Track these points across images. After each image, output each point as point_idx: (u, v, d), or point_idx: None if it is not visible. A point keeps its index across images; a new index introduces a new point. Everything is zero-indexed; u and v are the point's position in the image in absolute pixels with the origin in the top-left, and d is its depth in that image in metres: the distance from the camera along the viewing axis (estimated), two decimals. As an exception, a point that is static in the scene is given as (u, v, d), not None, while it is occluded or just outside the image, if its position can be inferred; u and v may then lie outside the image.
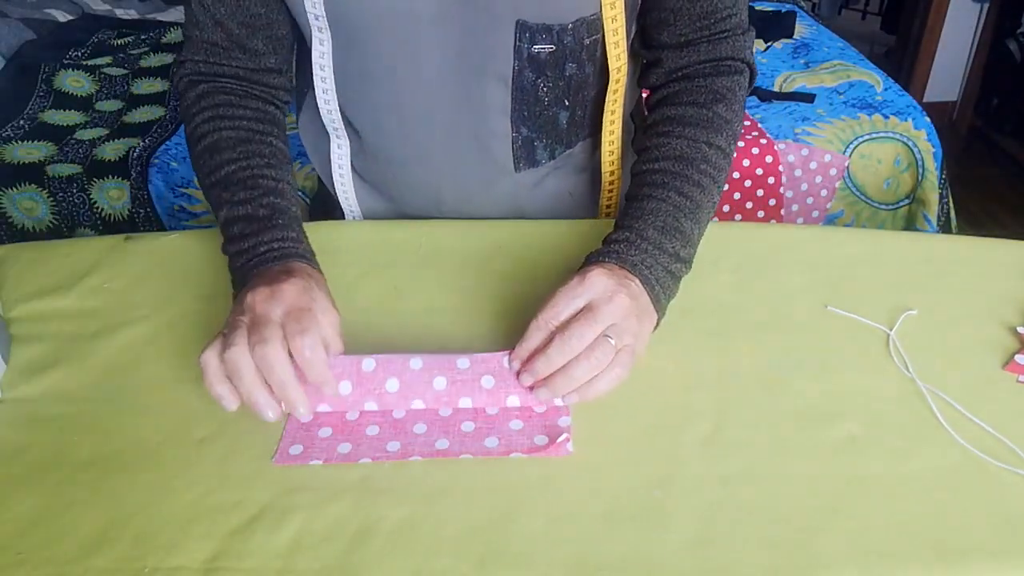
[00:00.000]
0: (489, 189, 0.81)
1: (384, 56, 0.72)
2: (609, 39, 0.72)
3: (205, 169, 0.71)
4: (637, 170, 0.71)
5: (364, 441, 0.58)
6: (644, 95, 0.84)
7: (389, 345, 0.66)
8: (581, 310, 0.59)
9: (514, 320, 0.69)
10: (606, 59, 0.73)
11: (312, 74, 0.76)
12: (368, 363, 0.61)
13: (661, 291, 0.63)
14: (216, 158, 0.71)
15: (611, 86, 0.75)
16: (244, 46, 0.74)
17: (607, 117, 0.77)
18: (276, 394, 0.56)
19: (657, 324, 0.64)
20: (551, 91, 0.74)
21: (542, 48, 0.70)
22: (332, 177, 0.84)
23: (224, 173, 0.70)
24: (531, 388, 0.60)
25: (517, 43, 0.70)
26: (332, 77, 0.75)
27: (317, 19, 0.70)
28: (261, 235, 0.65)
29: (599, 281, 0.59)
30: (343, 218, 0.89)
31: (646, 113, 0.78)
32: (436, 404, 0.61)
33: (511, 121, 0.75)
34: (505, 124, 0.76)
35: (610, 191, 0.84)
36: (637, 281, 0.62)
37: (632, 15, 0.74)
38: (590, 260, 0.64)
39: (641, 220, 0.66)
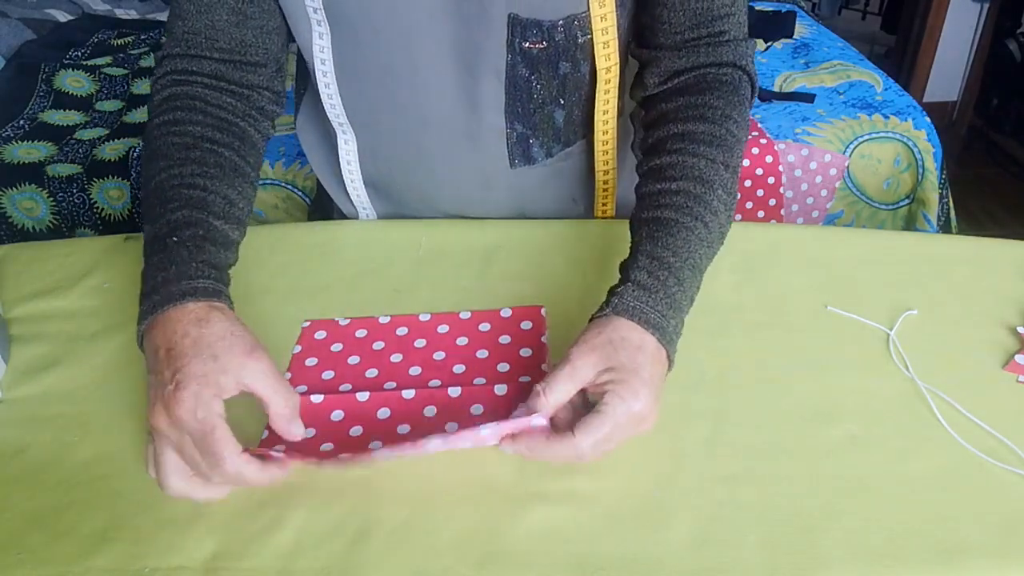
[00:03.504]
0: (487, 188, 0.81)
1: (381, 50, 0.72)
2: (598, 38, 0.71)
3: (143, 180, 0.66)
4: (650, 189, 0.66)
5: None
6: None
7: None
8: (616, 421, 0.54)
9: (514, 320, 0.68)
10: None
11: (308, 73, 0.75)
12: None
13: (675, 342, 0.60)
14: (151, 167, 0.66)
15: (601, 86, 0.75)
16: (231, 34, 0.71)
17: (599, 117, 0.77)
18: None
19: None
20: (545, 89, 0.74)
21: (534, 44, 0.70)
22: (341, 174, 0.84)
23: (153, 184, 0.65)
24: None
25: (510, 37, 0.70)
26: (333, 71, 0.74)
27: (315, 12, 0.70)
28: (154, 270, 0.59)
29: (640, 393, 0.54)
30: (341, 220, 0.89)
31: (642, 124, 0.76)
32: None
33: (505, 117, 0.75)
34: (499, 120, 0.75)
35: (605, 191, 0.83)
36: (664, 350, 0.58)
37: (626, 15, 0.74)
38: (618, 310, 0.58)
39: (676, 256, 0.61)
